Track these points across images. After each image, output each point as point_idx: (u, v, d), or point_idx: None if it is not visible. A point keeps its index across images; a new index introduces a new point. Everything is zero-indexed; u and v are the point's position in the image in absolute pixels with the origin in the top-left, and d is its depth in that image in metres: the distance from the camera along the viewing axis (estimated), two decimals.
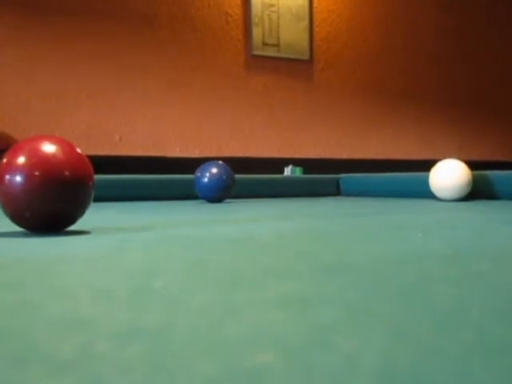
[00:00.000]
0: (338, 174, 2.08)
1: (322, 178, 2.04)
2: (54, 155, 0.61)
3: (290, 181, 1.99)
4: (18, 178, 0.59)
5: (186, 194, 1.66)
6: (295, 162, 2.58)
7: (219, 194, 1.45)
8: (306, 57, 2.82)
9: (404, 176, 1.80)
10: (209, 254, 0.46)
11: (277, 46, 2.73)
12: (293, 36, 2.77)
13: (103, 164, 2.22)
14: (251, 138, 2.76)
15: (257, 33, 2.68)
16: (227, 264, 0.40)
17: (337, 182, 2.04)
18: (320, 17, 2.88)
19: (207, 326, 0.23)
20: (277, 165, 2.59)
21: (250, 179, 1.86)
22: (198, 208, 1.28)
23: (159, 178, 1.72)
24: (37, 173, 0.60)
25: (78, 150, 0.65)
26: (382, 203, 1.44)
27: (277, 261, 0.42)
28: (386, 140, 3.10)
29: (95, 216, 0.94)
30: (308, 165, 2.62)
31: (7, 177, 0.60)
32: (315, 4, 2.84)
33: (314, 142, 2.90)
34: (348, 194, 1.98)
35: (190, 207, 1.31)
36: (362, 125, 3.02)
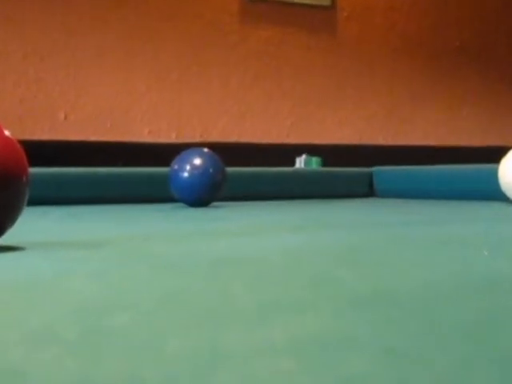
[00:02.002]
0: (370, 166, 2.08)
1: (349, 173, 2.04)
2: None
3: (303, 176, 2.00)
4: None
5: (158, 194, 1.67)
6: (311, 150, 2.58)
7: (204, 194, 1.45)
8: (326, 2, 2.82)
9: (463, 169, 1.80)
10: (189, 280, 0.47)
11: None
12: None
13: (42, 152, 2.21)
14: (249, 117, 2.77)
15: None
16: (215, 294, 0.40)
17: (369, 178, 2.04)
18: None
19: (187, 381, 0.23)
20: (285, 154, 2.59)
21: (247, 174, 1.87)
22: (174, 215, 1.28)
23: (120, 172, 1.72)
24: None
25: (7, 132, 0.65)
26: (432, 208, 1.44)
27: (285, 290, 0.42)
28: (437, 119, 3.10)
29: (31, 226, 0.95)
30: (329, 154, 2.62)
31: None
32: None
33: (337, 121, 2.91)
34: (385, 195, 1.98)
35: (164, 214, 1.31)
36: (404, 97, 3.02)
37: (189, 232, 0.88)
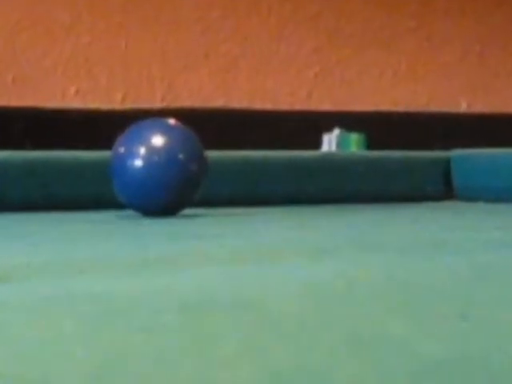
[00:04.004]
0: (447, 149, 2.08)
1: (412, 160, 2.03)
2: None
3: (335, 166, 1.99)
4: None
5: (92, 196, 1.67)
6: (348, 122, 2.57)
7: (170, 196, 1.45)
8: None
9: None
10: (144, 339, 0.46)
11: None
12: None
13: None
14: (244, 67, 2.76)
15: None
16: (189, 364, 0.40)
17: (445, 169, 2.04)
18: None
19: None
20: (306, 128, 2.58)
21: (242, 162, 1.87)
22: (120, 230, 1.28)
23: (30, 159, 1.72)
24: None
25: None
26: None
27: (305, 357, 0.42)
28: None
29: None
30: (377, 128, 2.61)
31: None
32: None
33: (390, 75, 2.89)
34: (471, 196, 1.97)
35: (102, 228, 1.31)
36: (503, 33, 3.01)
37: (144, 259, 0.88)
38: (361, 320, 0.52)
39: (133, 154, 1.43)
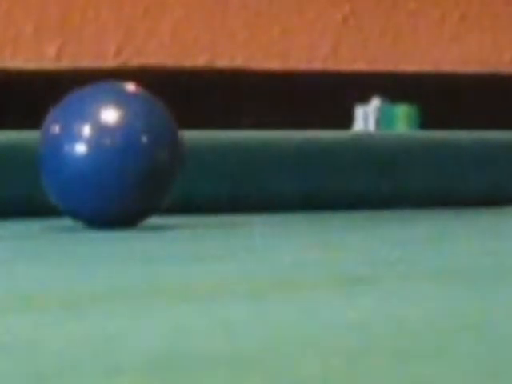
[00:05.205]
0: None
1: (488, 143, 2.07)
2: None
3: (374, 152, 2.02)
4: None
5: (15, 199, 1.68)
6: (392, 88, 2.59)
7: (127, 199, 1.48)
8: None
9: None
10: None
11: None
12: None
13: None
14: (238, 5, 2.78)
15: None
16: None
17: None
18: None
19: None
20: (330, 95, 2.60)
21: (236, 147, 1.89)
22: (55, 250, 1.29)
23: None
24: None
25: None
26: None
27: None
28: None
29: None
30: (435, 97, 2.63)
31: None
32: None
33: (455, 18, 2.92)
34: None
35: (28, 246, 1.33)
36: None
37: (90, 292, 0.89)
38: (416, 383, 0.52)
39: (73, 136, 1.45)
